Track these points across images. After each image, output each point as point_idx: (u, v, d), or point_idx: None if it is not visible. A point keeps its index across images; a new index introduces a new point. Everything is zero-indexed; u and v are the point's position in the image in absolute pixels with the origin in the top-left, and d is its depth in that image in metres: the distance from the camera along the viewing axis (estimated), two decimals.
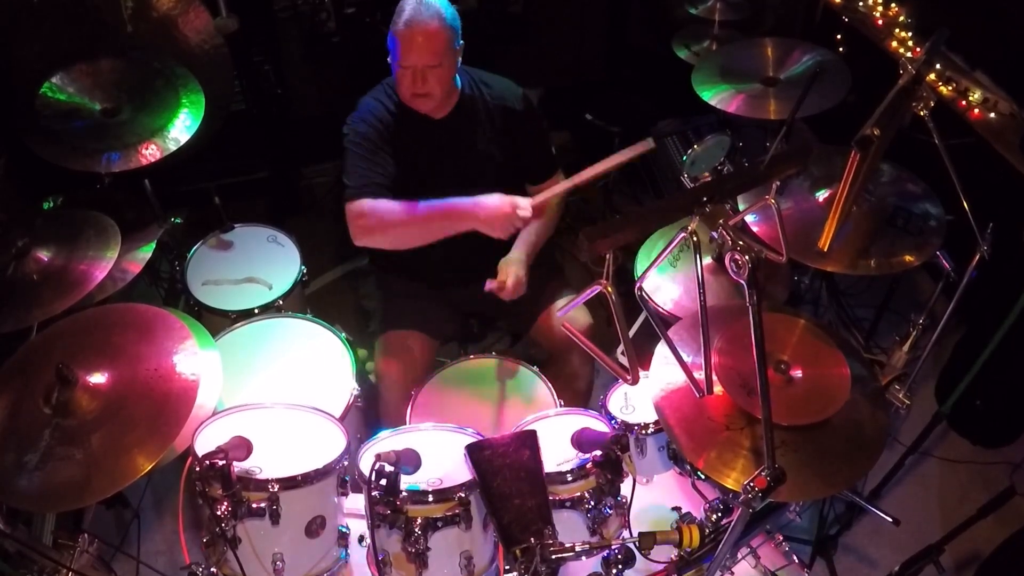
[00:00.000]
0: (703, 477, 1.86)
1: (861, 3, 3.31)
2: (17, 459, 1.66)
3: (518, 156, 2.32)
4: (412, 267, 2.43)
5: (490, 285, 2.15)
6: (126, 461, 1.65)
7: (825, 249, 2.11)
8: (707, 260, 2.33)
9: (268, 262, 2.56)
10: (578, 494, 1.73)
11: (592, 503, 1.73)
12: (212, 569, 1.67)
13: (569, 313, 2.29)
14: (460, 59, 2.15)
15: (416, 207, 2.05)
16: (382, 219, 2.06)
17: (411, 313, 2.35)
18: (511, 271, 2.17)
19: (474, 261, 2.36)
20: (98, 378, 1.76)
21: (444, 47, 2.05)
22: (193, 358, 1.82)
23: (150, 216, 2.50)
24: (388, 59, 2.13)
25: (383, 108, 2.20)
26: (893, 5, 3.20)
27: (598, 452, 1.73)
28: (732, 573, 1.88)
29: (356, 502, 1.77)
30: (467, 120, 2.22)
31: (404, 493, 1.62)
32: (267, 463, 1.68)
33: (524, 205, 2.05)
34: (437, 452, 1.73)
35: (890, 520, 2.20)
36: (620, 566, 1.55)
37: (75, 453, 1.66)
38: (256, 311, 2.38)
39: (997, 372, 2.28)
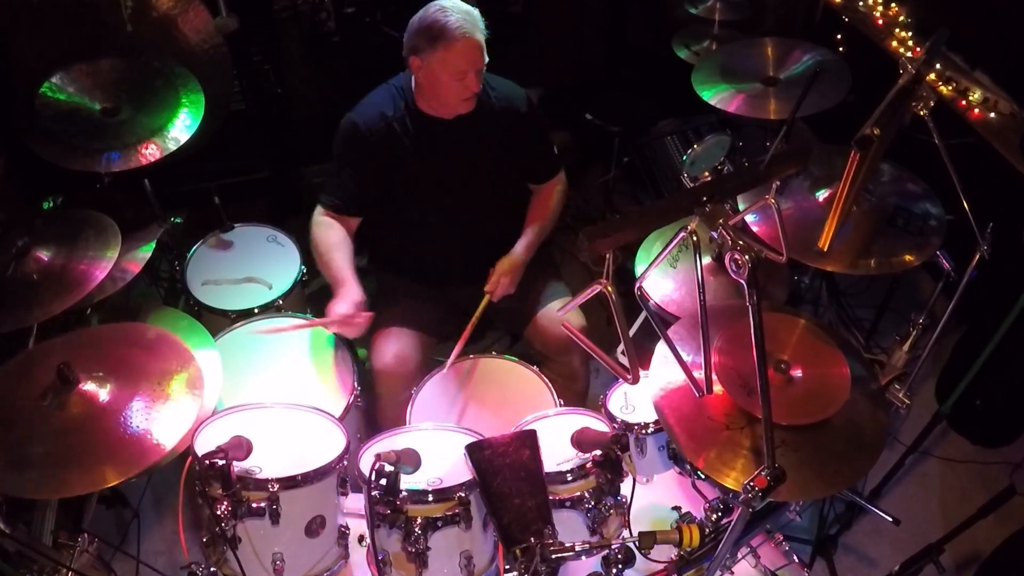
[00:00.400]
0: (703, 477, 1.86)
1: (861, 3, 3.30)
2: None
3: (522, 157, 2.34)
4: (411, 267, 2.44)
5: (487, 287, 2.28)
6: (91, 470, 1.65)
7: (825, 249, 2.11)
8: (707, 260, 2.33)
9: (268, 262, 2.56)
10: (578, 494, 1.73)
11: (592, 503, 1.73)
12: (212, 569, 1.68)
13: (558, 314, 2.29)
14: None
15: (329, 261, 2.21)
16: (314, 244, 2.27)
17: (406, 312, 2.35)
18: (502, 280, 2.26)
19: (473, 262, 2.37)
20: (95, 388, 1.76)
21: (485, 47, 2.11)
22: (179, 416, 1.77)
23: (150, 216, 2.49)
24: (417, 75, 2.13)
25: (384, 113, 2.20)
26: (893, 5, 3.20)
27: (598, 452, 1.73)
28: (732, 573, 1.88)
29: (356, 502, 1.77)
30: (473, 122, 2.23)
31: (404, 493, 1.62)
32: (267, 463, 1.68)
33: (331, 321, 2.13)
34: (437, 452, 1.74)
35: (890, 520, 2.20)
36: (620, 566, 1.55)
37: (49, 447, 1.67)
38: (256, 311, 2.38)
39: (997, 372, 2.27)
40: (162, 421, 1.72)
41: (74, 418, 1.70)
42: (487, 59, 2.12)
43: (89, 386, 1.75)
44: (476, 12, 2.10)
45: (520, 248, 2.31)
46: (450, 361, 2.20)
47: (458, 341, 2.23)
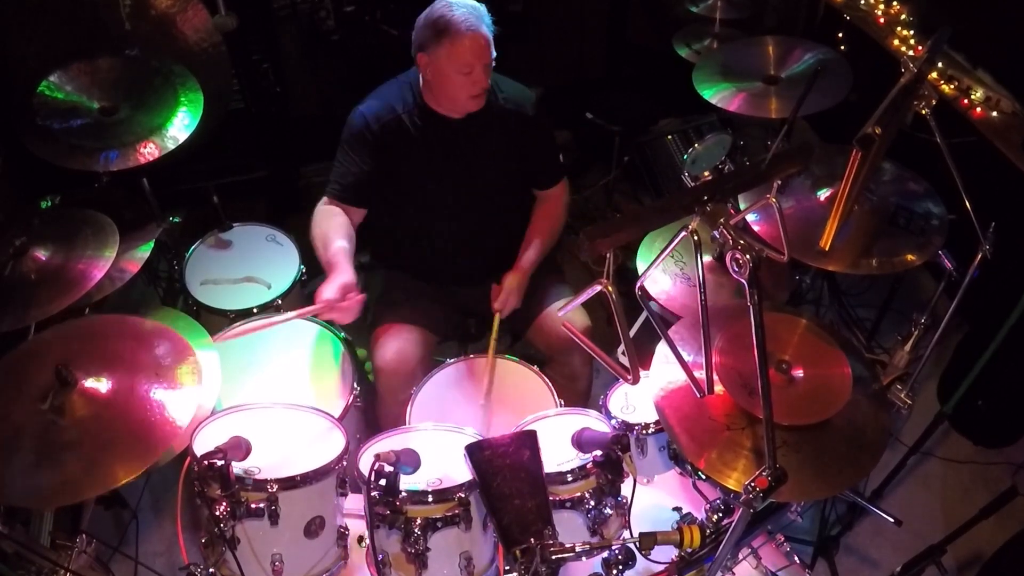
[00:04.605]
0: (704, 477, 1.85)
1: (863, 1, 3.30)
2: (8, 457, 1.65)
3: (527, 160, 2.33)
4: (413, 265, 2.43)
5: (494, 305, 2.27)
6: (103, 470, 1.64)
7: (827, 248, 2.10)
8: (707, 259, 2.32)
9: (267, 261, 2.56)
10: (578, 494, 1.72)
11: (592, 503, 1.72)
12: (211, 570, 1.66)
13: (559, 314, 2.28)
14: None
15: (322, 244, 2.17)
16: (312, 231, 2.22)
17: (408, 308, 2.35)
18: (510, 297, 2.26)
19: (476, 262, 2.37)
20: (95, 384, 1.74)
21: (492, 43, 2.10)
22: (187, 398, 1.77)
23: (148, 215, 2.49)
24: (425, 72, 2.13)
25: (395, 108, 2.20)
26: (895, 3, 3.19)
27: (598, 452, 1.73)
28: (733, 574, 1.88)
29: (356, 502, 1.76)
30: (481, 123, 2.22)
31: (404, 493, 1.62)
32: (266, 463, 1.67)
33: (328, 296, 2.05)
34: (437, 452, 1.73)
35: (892, 520, 2.19)
36: (621, 566, 1.54)
37: (62, 454, 1.65)
38: (255, 310, 2.37)
39: (999, 372, 2.27)
40: (169, 404, 1.73)
41: (77, 418, 1.69)
42: (495, 54, 2.10)
43: (88, 383, 1.73)
44: (482, 7, 2.10)
45: (526, 262, 2.30)
46: (487, 394, 2.17)
47: (487, 363, 2.22)
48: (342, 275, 2.06)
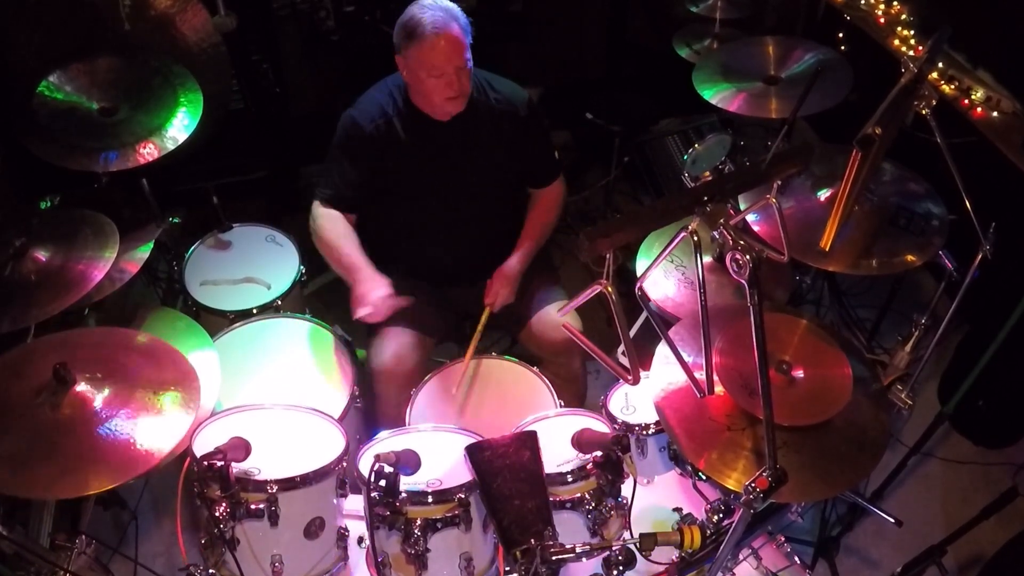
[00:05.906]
0: (704, 478, 1.85)
1: (863, 1, 3.29)
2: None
3: (520, 160, 2.33)
4: (409, 266, 2.43)
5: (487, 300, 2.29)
6: (75, 476, 1.61)
7: (827, 249, 2.09)
8: (708, 259, 2.32)
9: (266, 262, 2.56)
10: (578, 495, 1.73)
11: (593, 504, 1.72)
12: (210, 571, 1.67)
13: (558, 315, 2.28)
14: None
15: (338, 250, 2.22)
16: (319, 237, 2.26)
17: (405, 311, 2.34)
18: (501, 291, 2.27)
19: (471, 263, 2.36)
20: (88, 389, 1.72)
21: (467, 46, 2.08)
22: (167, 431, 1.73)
23: (148, 216, 2.49)
24: (403, 73, 2.14)
25: (385, 110, 2.19)
26: (895, 3, 3.19)
27: (599, 453, 1.73)
28: (734, 574, 1.88)
29: (355, 503, 1.76)
30: (471, 123, 2.21)
31: (403, 494, 1.62)
32: (266, 464, 1.67)
33: (365, 307, 2.14)
34: (437, 453, 1.73)
35: (892, 521, 2.19)
36: (621, 567, 1.54)
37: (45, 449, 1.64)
38: (255, 311, 2.37)
39: (1000, 372, 2.26)
40: (153, 431, 1.68)
41: (65, 420, 1.67)
42: (469, 56, 2.08)
43: (84, 387, 1.72)
44: (457, 9, 2.08)
45: (517, 257, 2.31)
46: (460, 385, 2.18)
47: (465, 354, 2.23)
48: (376, 274, 2.19)
